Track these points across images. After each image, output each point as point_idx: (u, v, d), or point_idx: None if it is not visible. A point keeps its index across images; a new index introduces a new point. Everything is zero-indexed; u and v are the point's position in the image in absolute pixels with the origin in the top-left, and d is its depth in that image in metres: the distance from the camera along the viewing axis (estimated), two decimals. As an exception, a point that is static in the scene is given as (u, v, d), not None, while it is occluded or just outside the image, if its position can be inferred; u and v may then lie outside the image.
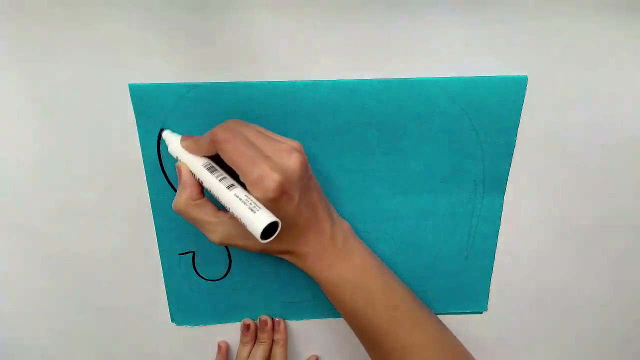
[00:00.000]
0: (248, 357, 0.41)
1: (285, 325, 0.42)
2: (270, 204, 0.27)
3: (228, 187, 0.28)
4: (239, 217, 0.27)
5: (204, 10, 0.31)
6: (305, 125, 0.34)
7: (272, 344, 0.42)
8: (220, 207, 0.31)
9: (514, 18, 0.32)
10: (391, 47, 0.33)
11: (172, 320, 0.42)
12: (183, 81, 0.33)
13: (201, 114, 0.34)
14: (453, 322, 0.44)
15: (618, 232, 0.41)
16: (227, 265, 0.40)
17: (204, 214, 0.30)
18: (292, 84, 0.33)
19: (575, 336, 0.46)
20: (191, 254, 0.39)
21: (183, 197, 0.30)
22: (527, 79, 0.34)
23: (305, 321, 0.43)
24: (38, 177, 0.36)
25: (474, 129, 0.35)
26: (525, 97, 0.34)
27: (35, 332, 0.43)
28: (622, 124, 0.36)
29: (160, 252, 0.39)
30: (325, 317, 0.43)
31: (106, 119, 0.34)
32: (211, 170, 0.30)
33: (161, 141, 0.35)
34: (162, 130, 0.34)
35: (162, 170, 0.36)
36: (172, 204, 0.31)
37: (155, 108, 0.33)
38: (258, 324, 0.42)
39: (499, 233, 0.40)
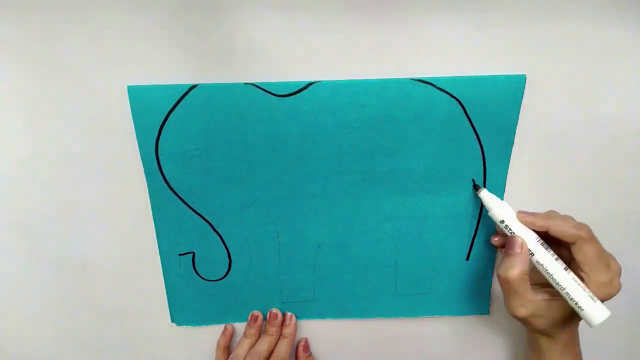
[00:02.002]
0: (248, 351, 0.40)
1: (296, 322, 0.42)
2: None
3: (565, 269, 0.32)
4: (572, 297, 0.31)
5: (204, 10, 0.31)
6: (305, 125, 0.34)
7: (278, 339, 0.41)
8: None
9: (513, 18, 0.32)
10: (391, 47, 0.33)
11: (172, 320, 0.42)
12: (182, 82, 0.33)
13: (200, 115, 0.34)
14: (455, 324, 0.44)
15: (618, 231, 0.41)
16: (227, 266, 0.40)
17: (525, 289, 0.33)
18: (292, 84, 0.33)
19: (576, 336, 0.46)
20: (191, 254, 0.39)
21: (519, 270, 0.32)
22: (525, 77, 0.34)
23: (305, 321, 0.43)
24: (38, 178, 0.36)
25: (473, 129, 0.35)
26: (524, 96, 0.34)
27: (35, 332, 0.43)
28: (621, 123, 0.36)
29: (160, 252, 0.39)
30: (325, 318, 0.43)
31: (106, 119, 0.34)
32: (545, 247, 0.33)
33: (160, 144, 0.35)
34: (479, 189, 0.36)
35: (160, 172, 0.36)
36: (503, 273, 0.33)
37: (153, 110, 0.34)
38: (268, 317, 0.41)
39: (499, 233, 0.40)
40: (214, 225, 0.38)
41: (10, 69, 0.33)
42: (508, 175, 0.37)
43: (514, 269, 0.32)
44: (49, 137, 0.35)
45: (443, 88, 0.34)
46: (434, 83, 0.34)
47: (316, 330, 0.43)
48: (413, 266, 0.40)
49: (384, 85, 0.33)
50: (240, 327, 0.43)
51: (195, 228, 0.38)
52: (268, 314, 0.41)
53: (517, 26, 0.33)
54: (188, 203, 0.37)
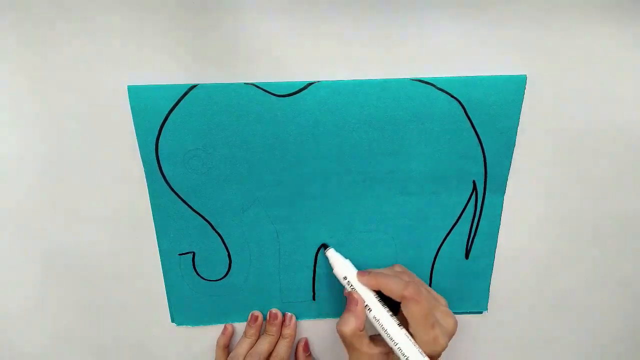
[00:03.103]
0: (248, 351, 0.40)
1: (296, 322, 0.42)
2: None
3: (399, 325, 0.34)
4: (404, 353, 0.33)
5: (204, 10, 0.31)
6: (305, 125, 0.34)
7: (278, 339, 0.41)
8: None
9: (513, 18, 0.32)
10: (391, 47, 0.33)
11: (172, 320, 0.42)
12: (182, 82, 0.33)
13: (200, 115, 0.34)
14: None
15: (618, 232, 0.41)
16: (227, 265, 0.40)
17: (361, 344, 0.34)
18: (292, 84, 0.33)
19: (575, 336, 0.46)
20: (191, 254, 0.39)
21: (352, 326, 0.34)
22: (526, 78, 0.34)
23: (305, 321, 0.43)
24: (38, 178, 0.36)
25: (474, 129, 0.35)
26: (524, 97, 0.34)
27: (36, 332, 0.43)
28: (621, 123, 0.36)
29: (160, 252, 0.39)
30: (325, 318, 0.43)
31: (106, 119, 0.34)
32: (382, 303, 0.35)
33: (160, 144, 0.35)
34: (326, 247, 0.38)
35: (160, 172, 0.36)
36: (339, 328, 0.34)
37: (153, 110, 0.34)
38: (268, 317, 0.41)
39: (499, 233, 0.40)
40: (214, 225, 0.38)
41: (10, 68, 0.33)
42: (509, 176, 0.37)
43: (349, 325, 0.34)
44: (49, 137, 0.35)
45: (443, 88, 0.34)
46: (434, 83, 0.34)
47: (316, 330, 0.44)
48: (413, 266, 0.40)
49: (384, 85, 0.33)
50: (240, 327, 0.43)
51: (195, 228, 0.38)
52: (268, 314, 0.41)
53: (518, 26, 0.33)
54: (188, 203, 0.37)
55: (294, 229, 0.39)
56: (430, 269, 0.41)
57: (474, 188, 0.38)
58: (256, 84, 0.33)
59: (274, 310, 0.41)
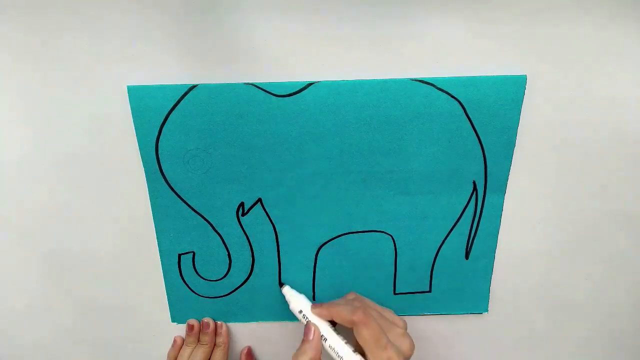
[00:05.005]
0: (189, 358, 0.41)
1: (228, 329, 0.43)
2: None
3: (354, 351, 0.34)
4: None
5: (204, 10, 0.31)
6: (305, 125, 0.34)
7: (213, 348, 0.42)
8: None
9: (513, 17, 0.32)
10: (391, 47, 0.33)
11: (172, 320, 0.42)
12: (182, 82, 0.33)
13: (200, 115, 0.34)
14: (454, 322, 0.44)
15: (618, 232, 0.41)
16: (227, 266, 0.40)
17: None
18: (292, 84, 0.33)
19: (576, 336, 0.46)
20: (191, 254, 0.39)
21: (309, 356, 0.34)
22: (526, 78, 0.34)
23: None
24: (38, 178, 0.36)
25: (474, 129, 0.35)
26: (524, 97, 0.34)
27: (36, 332, 0.43)
28: (621, 123, 0.36)
29: (160, 252, 0.39)
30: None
31: (106, 119, 0.34)
32: (336, 333, 0.36)
33: (160, 144, 0.35)
34: (283, 285, 0.39)
35: (160, 172, 0.36)
36: (295, 358, 0.35)
37: (153, 110, 0.34)
38: (201, 327, 0.42)
39: (499, 233, 0.40)
40: (214, 225, 0.38)
41: (10, 69, 0.33)
42: (509, 176, 0.37)
43: (305, 355, 0.34)
44: (49, 137, 0.35)
45: (443, 88, 0.34)
46: (434, 83, 0.34)
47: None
48: (413, 266, 0.40)
49: (384, 85, 0.33)
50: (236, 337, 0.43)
51: (195, 228, 0.38)
52: (201, 323, 0.42)
53: (518, 26, 0.33)
54: (188, 203, 0.37)
55: (294, 229, 0.39)
56: (430, 269, 0.41)
57: (474, 188, 0.38)
58: (256, 84, 0.33)
59: (206, 319, 0.42)
